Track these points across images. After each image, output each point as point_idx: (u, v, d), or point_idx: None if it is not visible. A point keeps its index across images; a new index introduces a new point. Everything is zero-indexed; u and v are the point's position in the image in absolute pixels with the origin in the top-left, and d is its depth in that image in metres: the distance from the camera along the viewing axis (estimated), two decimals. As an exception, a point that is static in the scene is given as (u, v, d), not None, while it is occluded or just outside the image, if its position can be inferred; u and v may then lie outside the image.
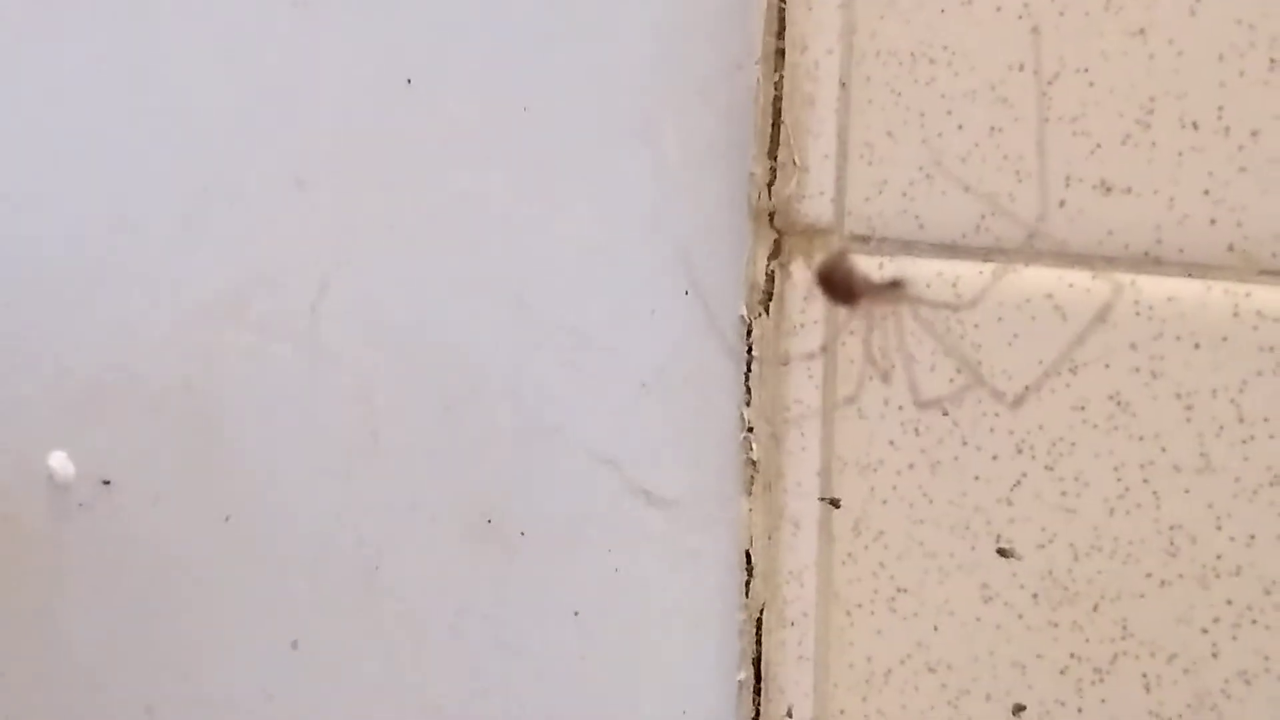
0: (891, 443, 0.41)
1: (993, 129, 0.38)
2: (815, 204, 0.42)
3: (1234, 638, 0.36)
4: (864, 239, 0.41)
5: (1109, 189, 0.37)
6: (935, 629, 0.41)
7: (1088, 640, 0.38)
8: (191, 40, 0.41)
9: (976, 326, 0.39)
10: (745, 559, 0.45)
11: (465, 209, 0.42)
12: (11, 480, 0.42)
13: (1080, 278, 0.37)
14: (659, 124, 0.42)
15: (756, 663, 0.45)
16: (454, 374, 0.43)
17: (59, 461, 0.42)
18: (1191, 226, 0.36)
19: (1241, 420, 0.35)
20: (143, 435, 0.42)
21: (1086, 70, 0.37)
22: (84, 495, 0.42)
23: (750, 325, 0.44)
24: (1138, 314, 0.37)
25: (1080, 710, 0.39)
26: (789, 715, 0.44)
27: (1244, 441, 0.35)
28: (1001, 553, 0.39)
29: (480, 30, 0.41)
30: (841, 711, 0.43)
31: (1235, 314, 0.35)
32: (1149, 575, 0.37)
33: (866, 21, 0.40)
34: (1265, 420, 0.35)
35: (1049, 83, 0.37)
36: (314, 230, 0.42)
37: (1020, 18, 0.37)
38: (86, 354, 0.42)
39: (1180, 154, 0.36)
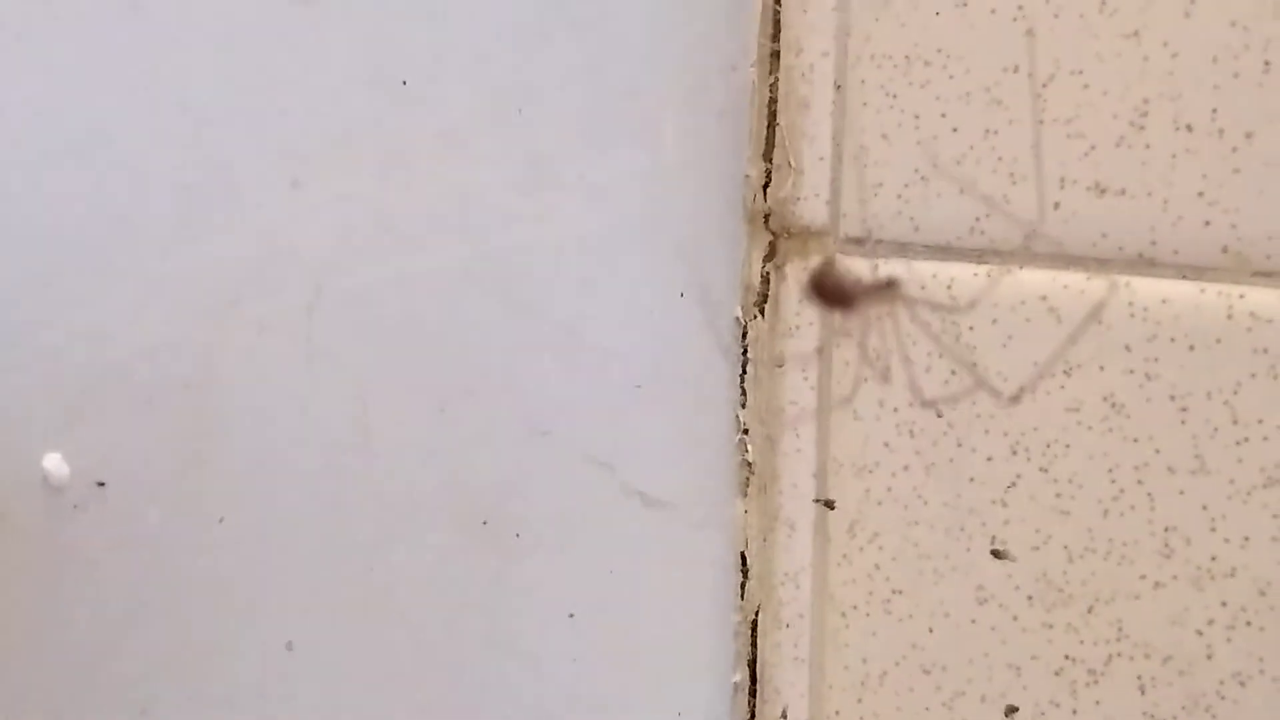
0: (886, 444, 0.41)
1: (987, 131, 0.38)
2: (810, 206, 0.42)
3: (1228, 639, 0.36)
4: (859, 241, 0.41)
5: (1103, 191, 0.37)
6: (930, 630, 0.41)
7: (1082, 642, 0.38)
8: (187, 39, 0.41)
9: (971, 328, 0.39)
10: (740, 560, 0.45)
11: (460, 209, 0.42)
12: (6, 482, 0.42)
13: (1075, 279, 0.37)
14: (654, 126, 0.42)
15: (752, 664, 0.45)
16: (449, 375, 0.43)
17: (53, 463, 0.42)
18: (1186, 228, 0.36)
19: (1235, 422, 0.35)
20: (138, 436, 0.42)
21: (1081, 72, 0.37)
22: (79, 496, 0.42)
23: (745, 327, 0.44)
24: (1132, 316, 0.37)
25: (1075, 712, 0.39)
26: (784, 717, 0.44)
27: (1238, 443, 0.35)
28: (996, 554, 0.39)
29: (475, 32, 0.41)
30: (837, 713, 0.43)
31: (1229, 316, 0.35)
32: (1143, 577, 0.37)
33: (861, 24, 0.40)
34: (1259, 422, 0.35)
35: (1043, 85, 0.37)
36: (309, 230, 0.42)
37: (1015, 20, 0.38)
38: (81, 355, 0.42)
39: (1174, 156, 0.36)
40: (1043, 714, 0.39)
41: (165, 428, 0.42)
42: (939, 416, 0.40)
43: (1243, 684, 0.36)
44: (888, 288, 0.38)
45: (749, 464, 0.44)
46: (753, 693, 0.45)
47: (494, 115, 0.42)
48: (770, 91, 0.43)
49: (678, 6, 0.42)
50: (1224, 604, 0.36)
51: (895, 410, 0.41)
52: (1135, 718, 0.38)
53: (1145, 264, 0.36)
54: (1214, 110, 0.35)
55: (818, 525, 0.43)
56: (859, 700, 0.43)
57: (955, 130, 0.39)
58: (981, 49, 0.38)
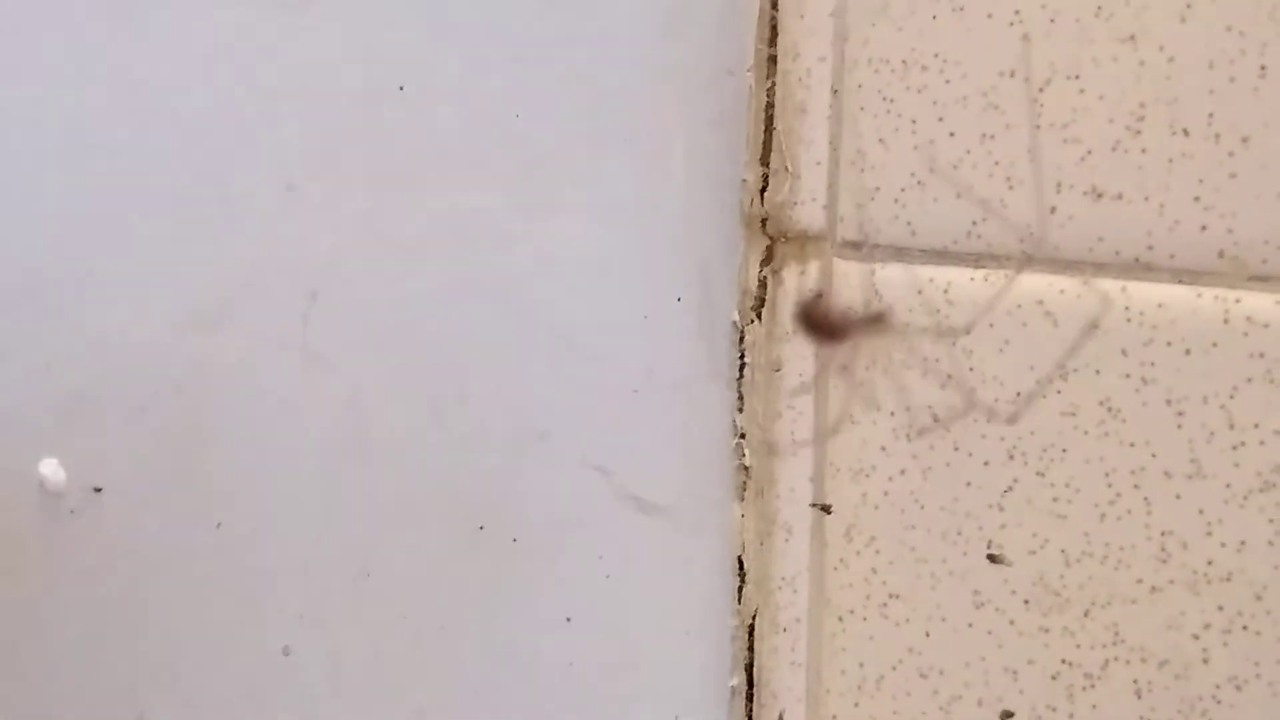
0: (883, 448, 0.41)
1: (984, 136, 0.38)
2: (807, 211, 0.42)
3: (1225, 644, 0.36)
4: (856, 245, 0.41)
5: (1100, 195, 0.37)
6: (927, 635, 0.41)
7: (1079, 646, 0.38)
8: (183, 45, 0.41)
9: (968, 333, 0.39)
10: (738, 565, 0.45)
11: (456, 215, 0.42)
12: (3, 487, 0.42)
13: (1071, 284, 0.37)
14: (651, 131, 0.42)
15: (749, 669, 0.45)
16: (445, 380, 0.43)
17: (50, 469, 0.42)
18: (1182, 233, 0.36)
19: (1232, 426, 0.35)
20: (134, 442, 0.42)
21: (1077, 77, 0.37)
22: (75, 502, 0.42)
23: (742, 331, 0.44)
24: (1128, 320, 0.37)
25: (1071, 716, 0.39)
26: (781, 721, 0.44)
27: (1234, 447, 0.35)
28: (992, 559, 0.39)
29: (472, 37, 0.41)
30: (834, 717, 0.43)
31: (1225, 320, 0.35)
32: (1140, 581, 0.37)
33: (858, 29, 0.40)
34: (1255, 426, 0.35)
35: (1040, 90, 0.37)
36: (304, 236, 0.42)
37: (1011, 25, 0.38)
38: (77, 361, 0.42)
39: (1171, 160, 0.36)
40: (1039, 718, 0.39)
41: (162, 433, 0.42)
42: (945, 431, 0.40)
43: (1239, 688, 0.36)
44: (878, 321, 0.38)
45: (746, 468, 0.44)
46: (750, 697, 0.45)
47: (490, 121, 0.42)
48: (767, 96, 0.43)
49: (674, 11, 0.42)
50: (1220, 608, 0.36)
51: (892, 414, 0.41)
52: (1132, 722, 0.38)
53: (1142, 268, 0.36)
54: (1210, 115, 0.35)
55: (815, 529, 0.43)
56: (856, 704, 0.43)
57: (952, 135, 0.39)
58: (978, 53, 0.38)
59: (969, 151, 0.39)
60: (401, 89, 0.41)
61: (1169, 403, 0.36)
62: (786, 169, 0.43)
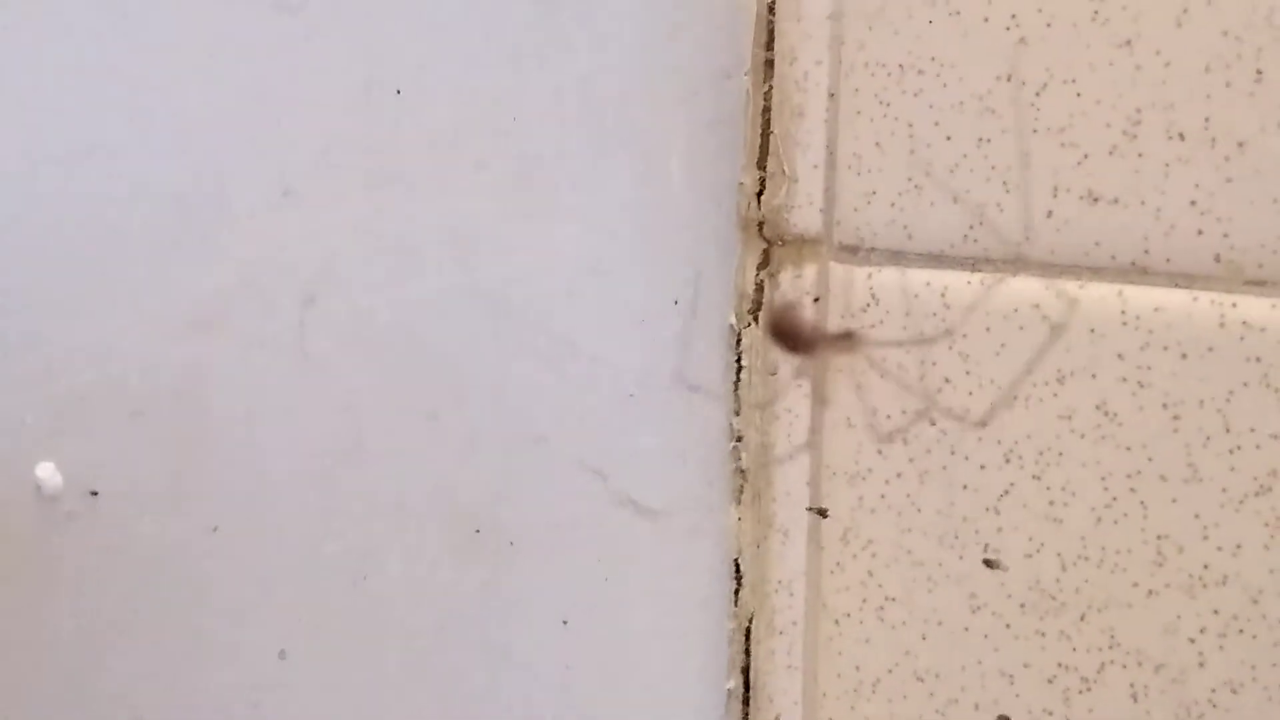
0: (880, 452, 0.41)
1: (981, 140, 0.38)
2: (804, 214, 0.42)
3: (1221, 647, 0.36)
4: (853, 249, 0.41)
5: (1096, 199, 0.37)
6: (923, 638, 0.41)
7: (1075, 650, 0.38)
8: (178, 48, 0.41)
9: (965, 336, 0.39)
10: (734, 568, 0.45)
11: (453, 218, 0.42)
12: (-2, 490, 0.42)
13: (1068, 288, 0.37)
14: (648, 134, 0.42)
15: (745, 671, 0.45)
16: (441, 383, 0.43)
17: (47, 472, 0.42)
18: (1178, 237, 0.36)
19: (1228, 430, 0.35)
20: (131, 445, 0.42)
21: (1074, 81, 0.37)
22: (72, 506, 0.42)
23: (739, 335, 0.44)
24: (1125, 324, 0.37)
25: (1067, 719, 0.39)
26: (778, 724, 0.45)
27: (1231, 451, 0.36)
28: (988, 564, 0.39)
29: (468, 41, 0.41)
30: (830, 721, 0.43)
31: (1222, 324, 0.35)
32: (1136, 585, 0.37)
33: (855, 33, 0.40)
34: (1251, 430, 0.35)
35: (1036, 94, 0.37)
36: (301, 240, 0.42)
37: (1008, 29, 0.38)
38: (73, 364, 0.42)
39: (1167, 165, 0.36)
40: (1036, 721, 0.39)
41: (158, 437, 0.42)
42: (932, 425, 0.40)
43: (1235, 692, 0.36)
44: (845, 339, 0.38)
45: (742, 471, 0.45)
46: (746, 700, 0.45)
47: (487, 123, 0.42)
48: (764, 100, 0.43)
49: (671, 14, 0.42)
50: (1216, 612, 0.36)
51: (888, 417, 0.41)
52: (1128, 725, 0.38)
53: (1138, 272, 0.37)
54: (1206, 119, 0.35)
55: (811, 533, 0.43)
56: (852, 708, 0.43)
57: (949, 139, 0.39)
58: (975, 58, 0.38)
59: (965, 155, 0.39)
60: (398, 92, 0.41)
61: (1165, 406, 0.36)
62: (783, 172, 0.43)
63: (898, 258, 0.40)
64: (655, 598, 0.45)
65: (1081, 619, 0.38)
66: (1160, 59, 0.35)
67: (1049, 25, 0.37)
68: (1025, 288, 0.38)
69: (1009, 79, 0.38)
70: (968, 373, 0.39)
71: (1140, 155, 0.36)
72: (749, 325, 0.44)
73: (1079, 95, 0.37)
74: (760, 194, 0.43)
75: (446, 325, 0.43)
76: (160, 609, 0.43)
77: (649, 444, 0.44)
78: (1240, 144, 0.35)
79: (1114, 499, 0.37)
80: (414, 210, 0.42)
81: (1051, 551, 0.38)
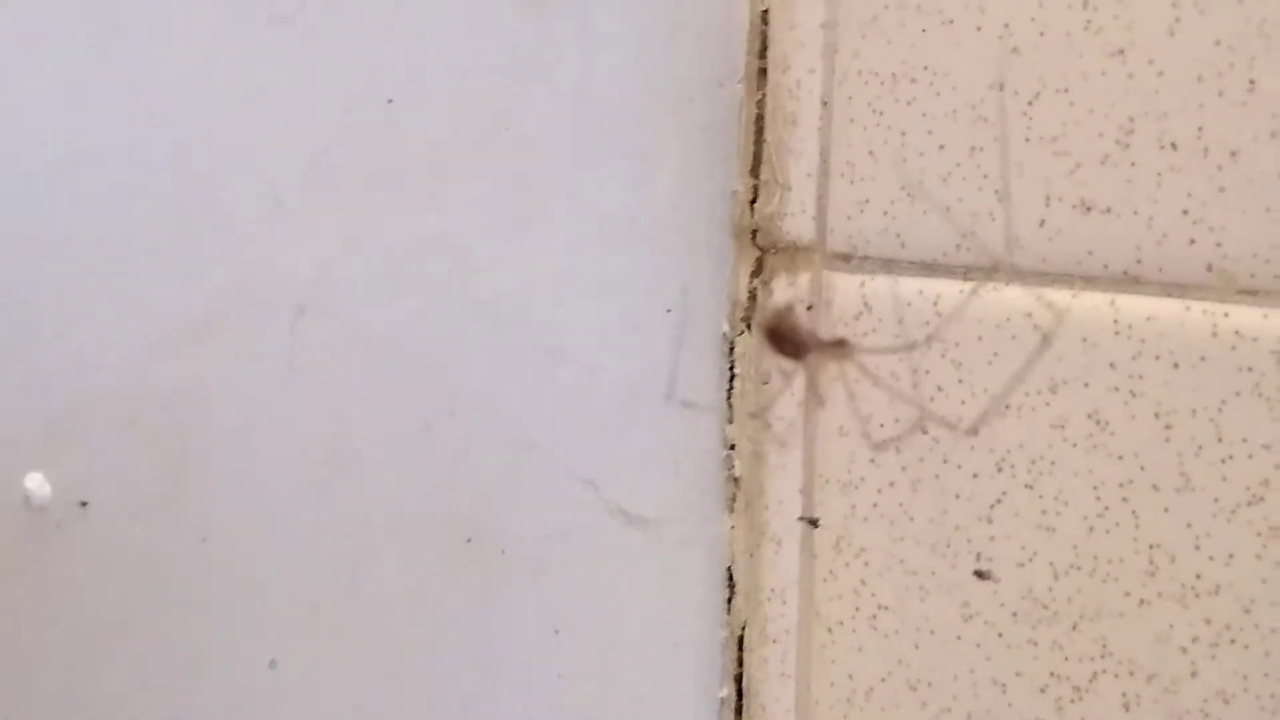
0: (872, 460, 0.41)
1: (973, 148, 0.38)
2: (797, 222, 0.42)
3: (1213, 657, 0.36)
4: (845, 257, 0.41)
5: (1089, 209, 0.37)
6: (916, 647, 0.41)
7: (1067, 659, 0.38)
8: (169, 60, 0.40)
9: (957, 345, 0.39)
10: (727, 576, 0.45)
11: (446, 227, 0.42)
12: (-13, 499, 0.42)
13: (1060, 297, 0.37)
14: (641, 143, 0.42)
15: (738, 680, 0.45)
16: (433, 393, 0.43)
17: (35, 483, 0.42)
18: (1171, 246, 0.36)
19: (1220, 440, 0.35)
20: (121, 456, 0.42)
21: (1066, 90, 0.37)
22: (61, 516, 0.42)
23: (732, 343, 0.44)
24: (1117, 333, 0.37)
25: (1061, 728, 0.39)
26: (770, 733, 0.44)
27: (1223, 461, 0.36)
28: (979, 574, 0.39)
29: (461, 49, 0.41)
30: (823, 729, 0.43)
31: (1214, 334, 0.35)
32: (1128, 594, 0.37)
33: (848, 41, 0.40)
34: (1244, 440, 0.35)
35: (1029, 103, 0.37)
36: (293, 249, 0.42)
37: (1001, 38, 0.38)
38: (63, 374, 0.41)
39: (1160, 174, 0.36)
40: (1029, 730, 0.39)
41: (148, 447, 0.42)
42: (925, 433, 0.40)
43: (1226, 701, 0.36)
44: (838, 346, 0.38)
45: (735, 480, 0.44)
46: (739, 709, 0.45)
47: (480, 132, 0.41)
48: (758, 108, 0.43)
49: (665, 23, 0.42)
50: (1208, 621, 0.36)
51: (881, 426, 0.41)
52: (1121, 734, 0.38)
53: (1130, 282, 0.37)
54: (1199, 129, 0.35)
55: (804, 541, 0.43)
56: (845, 716, 0.43)
57: (941, 147, 0.39)
58: (967, 66, 0.38)
59: (958, 164, 0.39)
60: (390, 101, 0.41)
61: (1157, 416, 0.36)
62: (776, 180, 0.43)
63: (890, 266, 0.40)
64: (647, 606, 0.45)
65: (1074, 628, 0.38)
66: (1153, 68, 0.35)
67: (1042, 34, 0.37)
68: (1017, 296, 0.38)
69: (1002, 88, 0.38)
70: (960, 381, 0.39)
71: (1133, 164, 0.36)
72: (742, 333, 0.44)
73: (1072, 104, 0.37)
74: (753, 202, 0.43)
75: (439, 334, 0.43)
76: (150, 620, 0.43)
77: (641, 453, 0.44)
78: (1233, 153, 0.35)
79: (1106, 508, 0.37)
80: (406, 220, 0.42)
81: (1044, 560, 0.38)
